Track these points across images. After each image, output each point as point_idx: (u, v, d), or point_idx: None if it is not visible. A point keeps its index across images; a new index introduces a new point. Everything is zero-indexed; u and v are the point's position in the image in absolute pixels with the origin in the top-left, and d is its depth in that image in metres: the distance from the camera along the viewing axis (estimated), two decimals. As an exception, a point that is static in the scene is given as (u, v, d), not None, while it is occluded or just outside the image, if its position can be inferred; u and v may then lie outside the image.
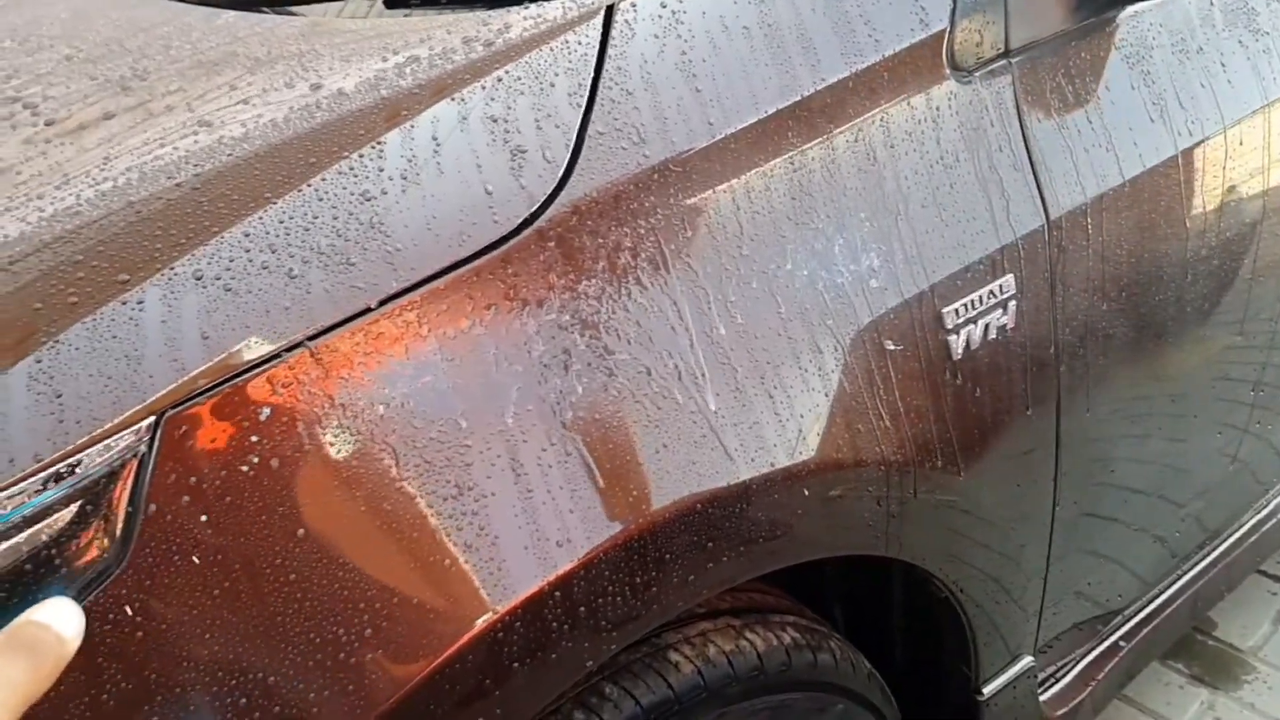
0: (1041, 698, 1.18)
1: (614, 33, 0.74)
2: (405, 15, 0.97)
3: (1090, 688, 1.25)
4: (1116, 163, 0.97)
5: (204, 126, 0.78)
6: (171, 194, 0.67)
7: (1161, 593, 1.35)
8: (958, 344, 0.84)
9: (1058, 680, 1.22)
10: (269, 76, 0.85)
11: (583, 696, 0.79)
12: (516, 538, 0.64)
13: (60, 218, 0.69)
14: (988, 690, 1.08)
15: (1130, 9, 1.00)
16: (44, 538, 0.55)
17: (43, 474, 0.55)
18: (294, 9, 1.13)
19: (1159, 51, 1.03)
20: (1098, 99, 0.97)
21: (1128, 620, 1.30)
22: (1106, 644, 1.28)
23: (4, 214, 0.73)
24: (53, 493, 0.55)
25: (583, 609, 0.66)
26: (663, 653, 0.83)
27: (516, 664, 0.64)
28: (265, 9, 1.13)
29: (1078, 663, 1.24)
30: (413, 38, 0.83)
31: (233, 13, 1.07)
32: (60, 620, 0.43)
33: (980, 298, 0.86)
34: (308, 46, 0.90)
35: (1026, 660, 1.11)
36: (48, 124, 0.89)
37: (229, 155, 0.69)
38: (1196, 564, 1.40)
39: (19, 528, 0.54)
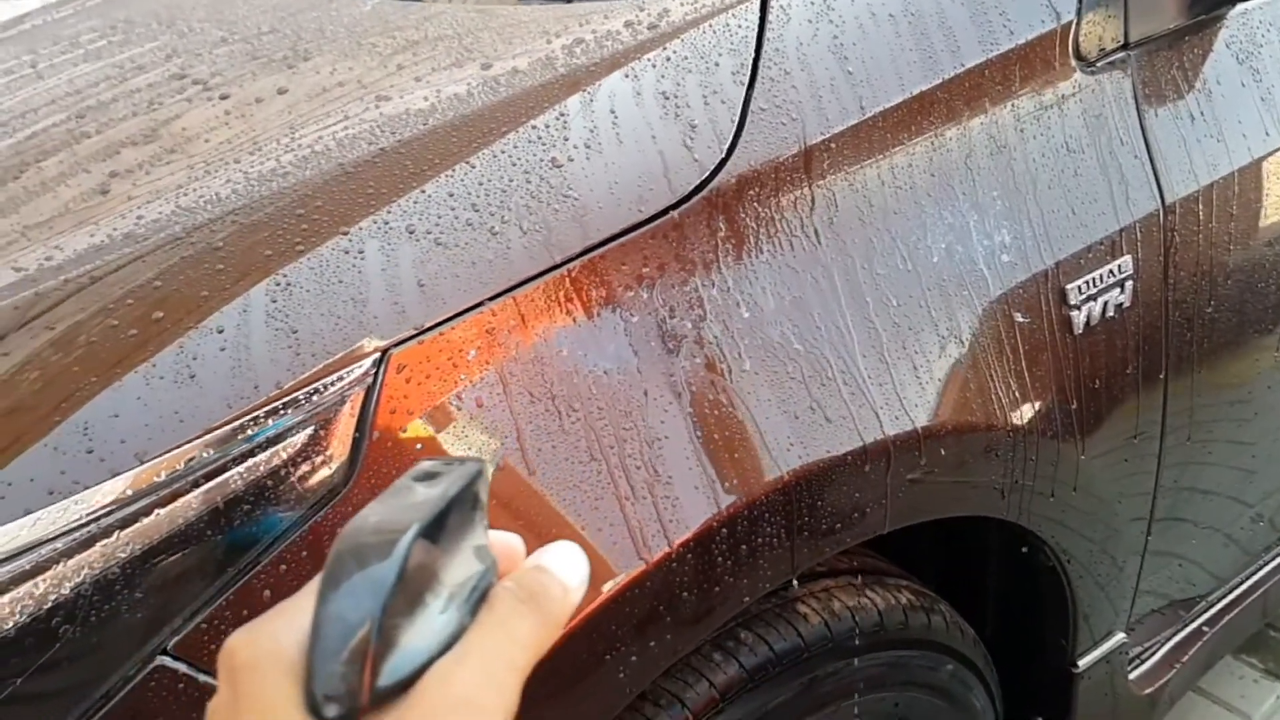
0: (1130, 676, 1.21)
1: (770, 17, 0.79)
2: (542, 3, 1.03)
3: (1174, 670, 1.27)
4: (1226, 153, 1.01)
5: (383, 100, 0.84)
6: (376, 157, 0.73)
7: (1243, 581, 1.38)
8: (1079, 319, 0.89)
9: (1143, 661, 1.25)
10: (433, 57, 0.92)
11: (720, 640, 0.84)
12: (688, 478, 0.69)
13: (267, 178, 0.76)
14: (1082, 663, 1.11)
15: (1240, 7, 1.03)
16: (282, 458, 0.61)
17: (282, 400, 0.61)
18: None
19: (1267, 48, 1.06)
20: (1209, 92, 1.01)
21: (1211, 606, 1.33)
22: (1191, 628, 1.31)
23: (206, 176, 0.80)
24: (291, 418, 0.61)
25: (744, 547, 0.71)
26: (791, 605, 0.88)
27: (686, 594, 0.69)
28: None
29: (1163, 644, 1.27)
30: (570, 22, 0.89)
31: (378, -1, 1.13)
32: (567, 568, 0.37)
33: (1100, 276, 0.90)
34: (463, 30, 0.96)
35: (1119, 636, 1.14)
36: (223, 98, 0.96)
37: (424, 124, 0.76)
38: (1276, 557, 1.42)
39: (262, 447, 0.60)
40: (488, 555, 0.36)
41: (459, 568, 0.34)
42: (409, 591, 0.32)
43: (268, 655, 0.32)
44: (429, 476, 0.36)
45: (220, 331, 0.62)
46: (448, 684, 0.32)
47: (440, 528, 0.33)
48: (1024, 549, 0.98)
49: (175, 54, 1.14)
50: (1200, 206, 0.98)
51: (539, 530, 0.66)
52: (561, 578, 0.37)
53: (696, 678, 0.81)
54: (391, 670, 0.31)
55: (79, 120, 1.03)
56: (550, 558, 0.38)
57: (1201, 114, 1.00)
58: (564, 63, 0.80)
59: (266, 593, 0.59)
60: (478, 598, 0.35)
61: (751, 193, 0.75)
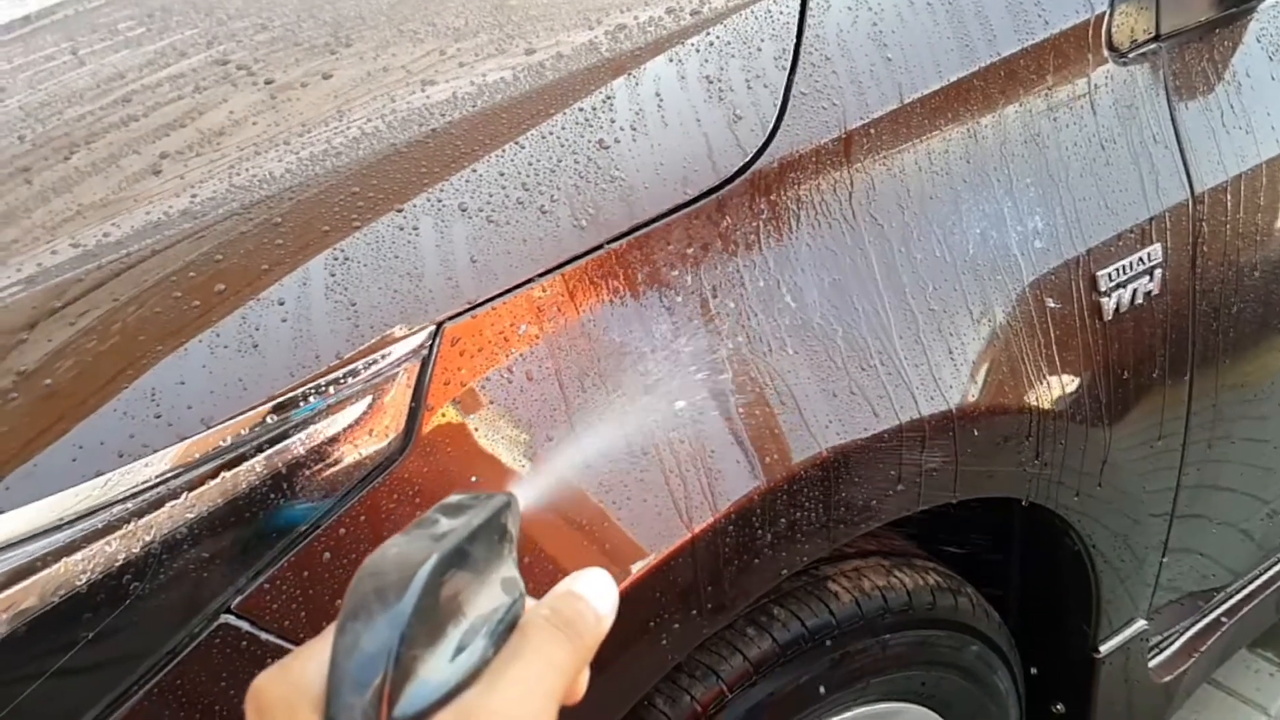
0: (1149, 664, 1.22)
1: (811, 3, 0.81)
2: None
3: (1193, 659, 1.29)
4: (1255, 145, 1.02)
5: (429, 85, 0.86)
6: (427, 137, 0.75)
7: (1260, 575, 1.39)
8: (1109, 306, 0.90)
9: (1163, 649, 1.27)
10: (475, 43, 0.93)
11: (753, 615, 0.85)
12: (730, 453, 0.71)
13: (319, 158, 0.77)
14: (1104, 649, 1.12)
15: (1270, 0, 1.04)
16: (341, 426, 0.63)
17: (341, 370, 0.63)
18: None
19: (1296, 42, 1.07)
20: (1239, 84, 1.02)
21: (1230, 597, 1.34)
22: (1209, 619, 1.32)
23: (256, 155, 0.82)
24: (350, 388, 0.63)
25: (783, 521, 0.73)
26: (822, 583, 0.89)
27: (726, 565, 0.71)
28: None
29: (1183, 634, 1.28)
30: (611, 9, 0.91)
31: (417, -13, 1.15)
32: (599, 595, 0.37)
33: (1130, 264, 0.91)
34: (504, 18, 0.98)
35: (1140, 624, 1.16)
36: (267, 82, 0.98)
37: (472, 106, 0.77)
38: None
39: (323, 415, 0.62)
40: (515, 587, 0.36)
41: (484, 599, 0.34)
42: (429, 623, 0.32)
43: (295, 691, 0.33)
44: (455, 509, 0.35)
45: (281, 303, 0.64)
46: (488, 711, 0.32)
47: (464, 559, 0.34)
48: (1038, 536, 0.99)
49: (216, 40, 1.17)
50: (1229, 197, 1.00)
51: (586, 501, 0.67)
52: (595, 605, 0.37)
53: (730, 650, 0.83)
54: (410, 702, 0.31)
55: (125, 104, 1.05)
56: (583, 584, 0.38)
57: (1231, 106, 1.01)
58: (608, 47, 0.82)
59: (326, 555, 0.61)
60: (503, 629, 0.35)
61: (793, 176, 0.76)
